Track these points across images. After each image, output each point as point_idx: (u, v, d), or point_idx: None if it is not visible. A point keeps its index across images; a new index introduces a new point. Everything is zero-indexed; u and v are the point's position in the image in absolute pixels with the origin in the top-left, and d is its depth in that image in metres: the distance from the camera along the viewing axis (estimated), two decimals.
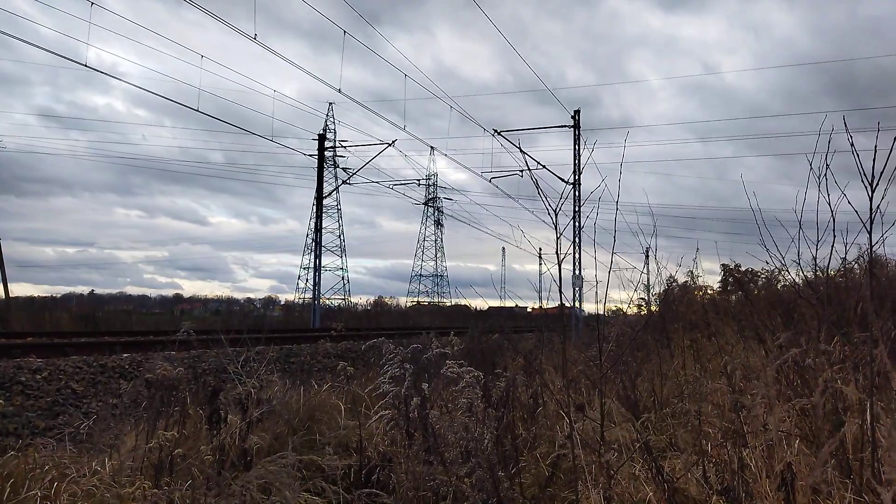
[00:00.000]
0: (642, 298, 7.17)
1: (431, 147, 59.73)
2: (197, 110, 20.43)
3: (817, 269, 5.79)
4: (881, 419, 2.89)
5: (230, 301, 74.74)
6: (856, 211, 2.90)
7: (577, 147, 25.28)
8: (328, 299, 52.45)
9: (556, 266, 3.40)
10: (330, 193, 37.59)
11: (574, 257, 27.31)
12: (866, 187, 2.48)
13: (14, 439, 5.64)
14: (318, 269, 32.63)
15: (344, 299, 58.00)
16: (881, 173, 2.66)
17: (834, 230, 3.84)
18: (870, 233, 2.56)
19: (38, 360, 7.72)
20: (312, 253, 33.67)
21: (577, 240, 28.78)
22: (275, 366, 8.50)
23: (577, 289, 26.32)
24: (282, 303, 65.24)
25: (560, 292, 3.58)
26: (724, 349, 5.04)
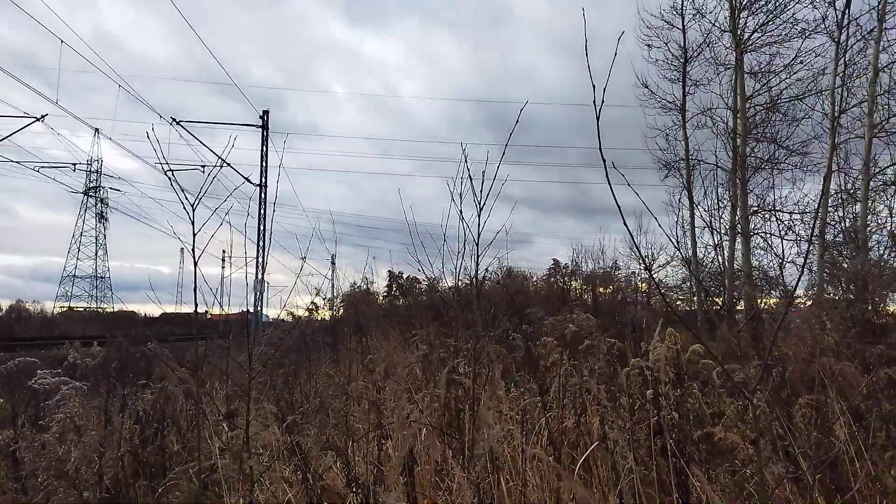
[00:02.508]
0: (317, 302, 7.33)
1: (95, 129, 52.10)
2: None
3: (461, 277, 6.71)
4: (489, 405, 3.42)
5: None
6: (490, 229, 3.44)
7: (264, 148, 24.82)
8: None
9: (238, 269, 3.24)
10: None
11: (258, 261, 26.68)
12: (477, 209, 2.95)
13: None
14: None
15: None
16: (487, 196, 3.20)
17: (465, 244, 4.49)
18: (477, 244, 3.04)
19: None
20: None
21: (262, 243, 28.17)
22: None
23: (259, 293, 25.72)
24: None
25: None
26: (378, 348, 5.46)
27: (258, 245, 27.52)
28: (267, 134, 25.83)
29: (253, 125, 27.29)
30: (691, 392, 3.67)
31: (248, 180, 25.02)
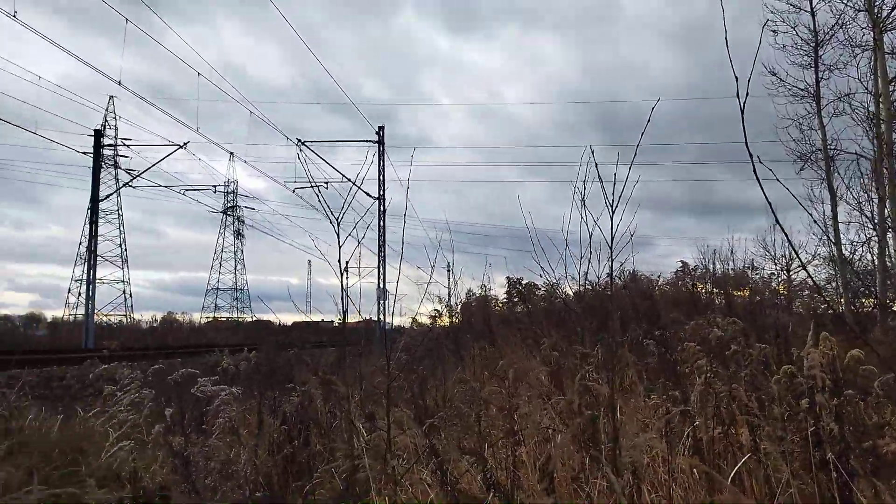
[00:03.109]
0: (439, 309, 7.51)
1: (231, 153, 56.69)
2: None
3: (586, 282, 6.60)
4: (624, 411, 3.34)
5: None
6: (616, 230, 3.37)
7: (381, 162, 25.82)
8: (106, 316, 46.95)
9: (359, 280, 3.44)
10: (108, 196, 33.77)
11: (379, 271, 27.76)
12: (609, 210, 2.89)
13: None
14: (91, 281, 29.01)
15: (126, 315, 52.41)
16: (618, 198, 3.13)
17: (591, 248, 4.41)
18: (611, 248, 2.98)
19: None
20: (86, 263, 29.88)
21: (381, 254, 29.27)
22: (31, 391, 7.37)
23: (381, 302, 26.72)
24: (48, 320, 56.87)
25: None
26: (505, 355, 5.49)
27: (378, 255, 28.62)
28: (383, 149, 26.86)
29: (370, 141, 28.48)
30: (852, 401, 3.38)
31: (369, 195, 26.11)
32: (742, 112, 2.12)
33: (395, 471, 3.13)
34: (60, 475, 5.06)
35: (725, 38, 2.14)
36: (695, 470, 3.02)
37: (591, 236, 3.94)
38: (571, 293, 8.29)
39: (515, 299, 6.86)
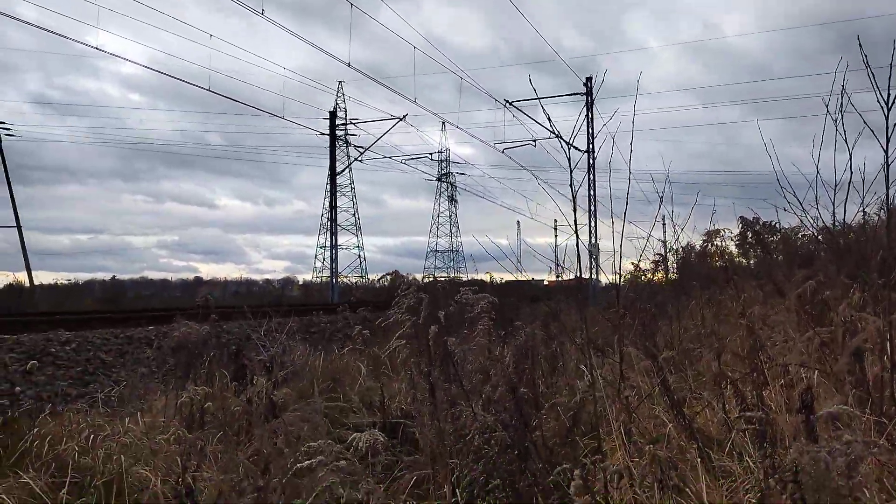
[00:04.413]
0: (659, 259, 7.14)
1: (443, 122, 59.35)
2: (208, 90, 20.49)
3: (835, 223, 5.76)
4: None
5: (248, 283, 75.61)
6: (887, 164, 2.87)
7: (590, 114, 25.02)
8: (346, 277, 52.86)
9: (571, 237, 3.43)
10: (343, 171, 37.60)
11: (590, 226, 27.22)
12: (882, 143, 2.46)
13: (48, 406, 5.81)
14: (334, 246, 32.84)
15: (361, 277, 58.44)
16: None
17: (850, 184, 3.82)
18: (886, 177, 2.55)
19: (67, 332, 7.91)
20: (329, 231, 33.85)
21: (592, 208, 28.62)
22: (296, 335, 8.63)
23: (593, 257, 26.24)
24: (300, 283, 65.85)
25: (578, 258, 3.61)
26: (746, 300, 5.01)
27: (588, 210, 28.02)
28: (592, 100, 25.98)
29: (577, 93, 27.75)
30: None
31: (577, 149, 25.56)
32: None
33: (629, 401, 3.10)
34: (325, 401, 5.89)
35: None
36: None
37: (850, 171, 3.45)
38: (817, 233, 7.31)
39: (751, 240, 6.22)
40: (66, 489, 3.54)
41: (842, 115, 3.26)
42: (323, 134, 32.71)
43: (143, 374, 7.16)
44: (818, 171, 4.18)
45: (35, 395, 6.35)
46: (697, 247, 8.31)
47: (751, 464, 2.66)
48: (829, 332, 2.91)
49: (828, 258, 5.59)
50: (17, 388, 6.30)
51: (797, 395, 2.55)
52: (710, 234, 8.20)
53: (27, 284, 32.04)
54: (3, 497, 3.37)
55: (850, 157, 3.55)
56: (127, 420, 4.61)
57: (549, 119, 3.26)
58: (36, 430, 4.07)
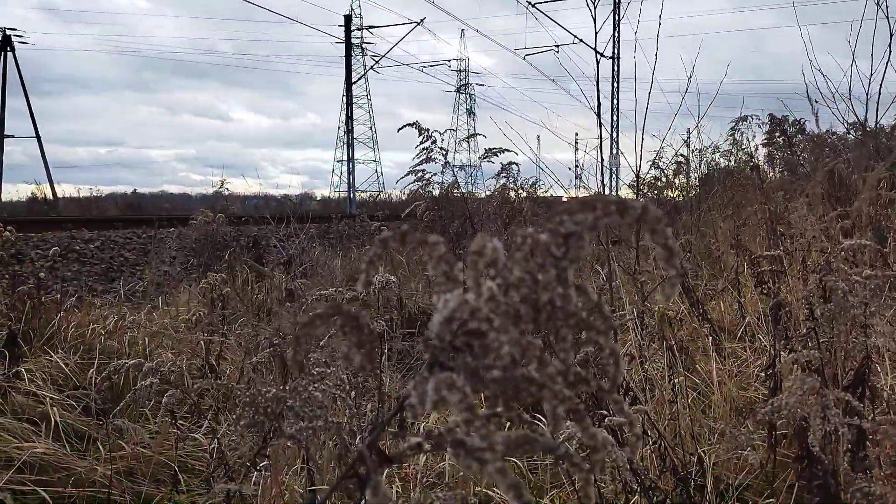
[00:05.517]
0: (681, 163, 6.91)
1: (462, 30, 57.00)
2: None
3: (867, 123, 5.52)
4: None
5: (267, 197, 76.01)
6: None
7: (616, 16, 23.80)
8: (364, 192, 52.90)
9: (592, 152, 3.31)
10: (358, 80, 36.74)
11: (612, 138, 26.56)
12: None
13: (75, 297, 6.00)
14: (351, 159, 32.60)
15: (379, 192, 58.45)
16: None
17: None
18: None
19: (90, 232, 8.06)
20: (346, 144, 33.49)
21: (615, 118, 27.85)
22: (315, 239, 8.72)
23: (613, 171, 25.80)
24: (318, 198, 66.20)
25: (602, 166, 3.51)
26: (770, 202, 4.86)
27: (611, 122, 27.29)
28: (618, 1, 24.65)
29: None
30: None
31: (602, 54, 24.55)
32: None
33: (643, 286, 3.09)
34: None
35: None
36: None
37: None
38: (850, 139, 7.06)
39: (779, 139, 5.99)
40: (95, 369, 3.70)
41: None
42: (339, 42, 31.74)
43: (166, 272, 7.33)
44: (851, 77, 3.97)
45: (61, 290, 6.55)
46: (722, 162, 7.97)
47: (763, 342, 2.67)
48: (856, 211, 2.83)
49: (858, 151, 5.41)
50: (42, 275, 6.51)
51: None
52: (735, 145, 7.83)
53: (50, 196, 32.49)
54: (37, 372, 3.53)
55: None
56: (152, 311, 4.76)
57: (561, 26, 3.06)
58: (62, 314, 4.21)
